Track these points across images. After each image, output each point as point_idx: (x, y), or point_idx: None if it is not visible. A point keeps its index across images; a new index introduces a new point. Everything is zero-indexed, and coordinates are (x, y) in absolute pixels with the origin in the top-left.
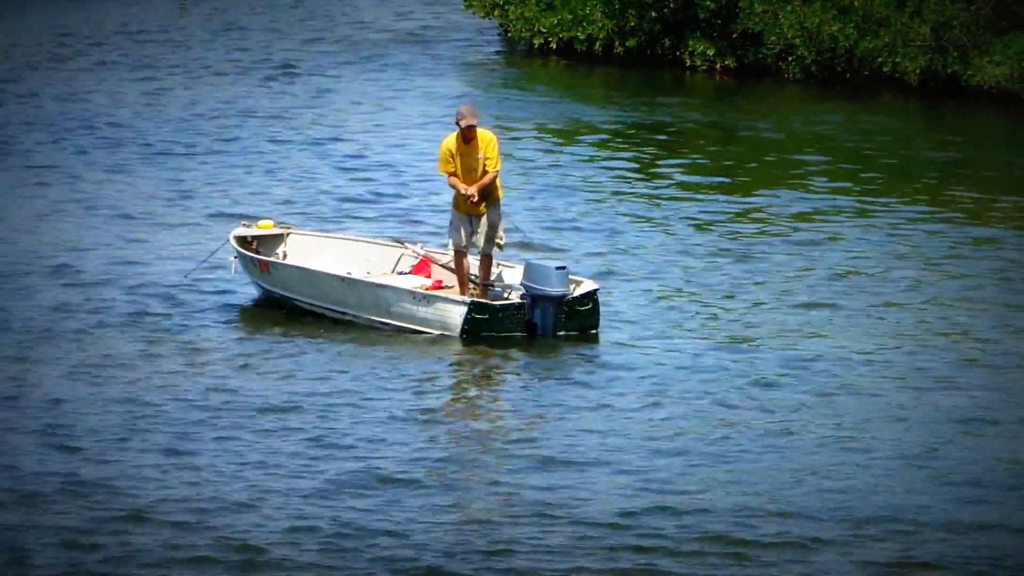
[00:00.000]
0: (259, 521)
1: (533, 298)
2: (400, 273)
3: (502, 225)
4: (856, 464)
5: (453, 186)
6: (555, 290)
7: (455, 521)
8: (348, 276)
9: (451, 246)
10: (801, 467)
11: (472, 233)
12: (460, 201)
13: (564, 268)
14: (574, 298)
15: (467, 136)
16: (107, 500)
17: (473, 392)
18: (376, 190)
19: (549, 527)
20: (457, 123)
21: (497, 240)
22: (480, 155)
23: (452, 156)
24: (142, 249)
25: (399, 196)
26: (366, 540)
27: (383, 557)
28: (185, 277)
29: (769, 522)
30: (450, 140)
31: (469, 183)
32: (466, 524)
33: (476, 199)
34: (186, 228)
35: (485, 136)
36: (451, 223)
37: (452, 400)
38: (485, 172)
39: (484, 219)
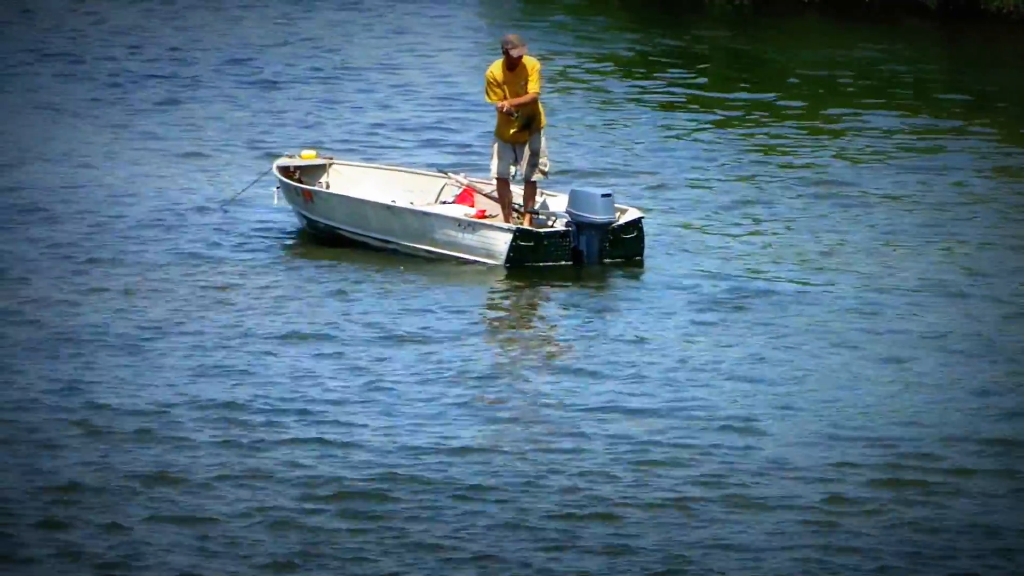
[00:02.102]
0: (300, 453)
1: (578, 225)
2: (443, 203)
3: (543, 151)
4: (878, 383)
5: (501, 110)
6: (601, 217)
7: (496, 448)
8: (393, 204)
9: (494, 174)
10: (855, 393)
11: (516, 161)
12: (504, 129)
13: (610, 195)
14: (619, 225)
15: (512, 63)
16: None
17: (518, 320)
18: (415, 120)
19: (597, 454)
20: (506, 51)
21: (541, 167)
22: (523, 81)
23: (499, 84)
24: (184, 181)
25: (439, 126)
26: (406, 466)
27: (429, 481)
28: (223, 206)
29: (826, 447)
30: (495, 68)
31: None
32: (507, 452)
33: (513, 111)
34: (227, 160)
35: (529, 62)
36: (494, 152)
37: (497, 329)
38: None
39: (528, 146)
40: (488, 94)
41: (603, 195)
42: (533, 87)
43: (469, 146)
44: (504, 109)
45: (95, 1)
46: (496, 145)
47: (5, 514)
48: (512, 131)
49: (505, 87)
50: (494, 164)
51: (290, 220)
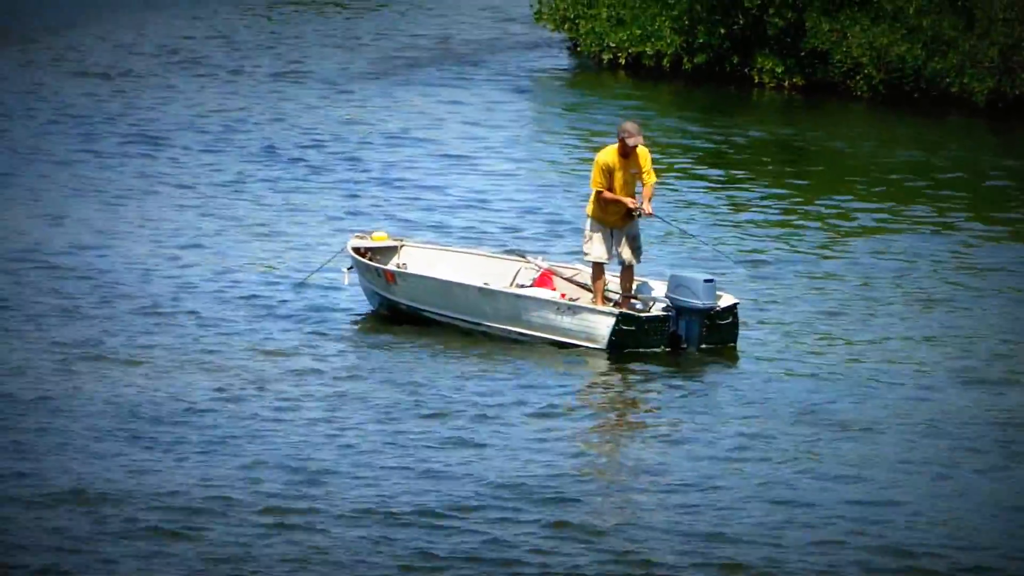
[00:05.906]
0: (376, 534)
1: (679, 310)
2: (520, 286)
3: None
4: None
5: (606, 201)
6: (703, 303)
7: (582, 535)
8: (485, 286)
9: (592, 258)
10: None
11: (612, 246)
12: (605, 214)
13: (712, 281)
14: (716, 311)
15: (627, 151)
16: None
17: (620, 407)
18: (482, 203)
19: (682, 546)
20: (622, 139)
21: (636, 251)
22: (634, 169)
23: (611, 171)
24: (251, 261)
25: (504, 209)
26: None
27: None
28: (298, 288)
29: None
30: (609, 155)
31: (626, 196)
32: (592, 539)
33: (648, 211)
34: (295, 241)
35: (641, 150)
36: (590, 236)
37: (599, 416)
38: (640, 185)
39: (625, 231)
40: (595, 180)
41: (705, 280)
42: (652, 178)
43: (538, 229)
44: (647, 213)
45: (179, 75)
46: (592, 229)
47: None
48: (616, 216)
49: (617, 174)
50: (592, 248)
51: (362, 300)
